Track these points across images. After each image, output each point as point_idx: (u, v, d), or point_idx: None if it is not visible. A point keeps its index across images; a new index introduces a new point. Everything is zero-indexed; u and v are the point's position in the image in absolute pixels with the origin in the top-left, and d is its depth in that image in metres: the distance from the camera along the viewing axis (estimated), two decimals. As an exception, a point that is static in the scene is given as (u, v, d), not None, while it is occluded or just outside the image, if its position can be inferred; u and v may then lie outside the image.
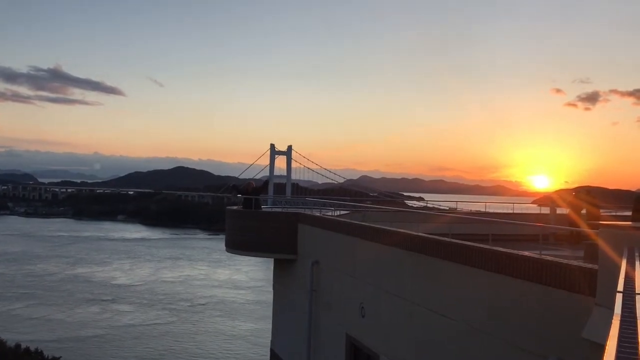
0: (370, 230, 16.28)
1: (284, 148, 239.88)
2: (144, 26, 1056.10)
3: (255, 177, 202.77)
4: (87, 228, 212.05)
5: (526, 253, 10.39)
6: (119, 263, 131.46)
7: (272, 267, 25.31)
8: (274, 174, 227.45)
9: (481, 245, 11.49)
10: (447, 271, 12.38)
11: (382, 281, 15.53)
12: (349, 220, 18.71)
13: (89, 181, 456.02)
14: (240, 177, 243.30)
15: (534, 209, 32.59)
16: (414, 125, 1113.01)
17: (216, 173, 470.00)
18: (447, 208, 30.93)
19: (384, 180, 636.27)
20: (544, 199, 36.86)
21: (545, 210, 24.43)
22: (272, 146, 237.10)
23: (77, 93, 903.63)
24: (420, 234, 13.95)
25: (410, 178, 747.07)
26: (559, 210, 22.56)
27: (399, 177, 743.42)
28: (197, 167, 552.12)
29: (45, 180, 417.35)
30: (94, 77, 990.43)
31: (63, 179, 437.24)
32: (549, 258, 9.94)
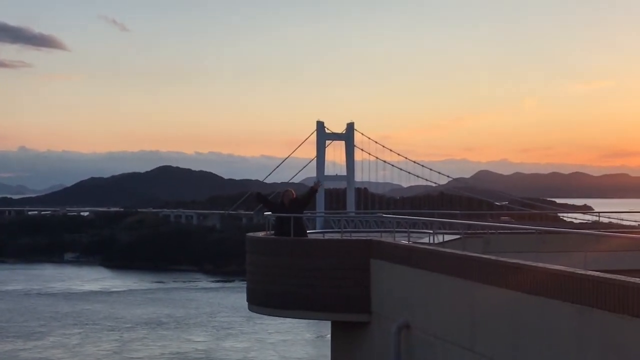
0: (503, 269, 11.61)
1: (340, 128, 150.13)
2: None
3: (292, 182, 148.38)
4: (12, 276, 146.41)
5: None
6: (60, 334, 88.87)
7: (328, 337, 19.54)
8: (325, 173, 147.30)
9: None
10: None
11: (525, 358, 11.15)
12: (461, 252, 13.77)
13: (14, 197, 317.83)
14: (267, 181, 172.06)
15: None
16: (568, 79, 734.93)
17: (227, 175, 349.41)
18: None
19: (518, 177, 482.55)
20: None
21: None
22: (320, 125, 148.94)
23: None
24: (591, 272, 9.91)
25: (566, 173, 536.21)
26: None
27: (547, 172, 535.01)
28: (195, 167, 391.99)
29: None
30: (13, 21, 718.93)
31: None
32: None
